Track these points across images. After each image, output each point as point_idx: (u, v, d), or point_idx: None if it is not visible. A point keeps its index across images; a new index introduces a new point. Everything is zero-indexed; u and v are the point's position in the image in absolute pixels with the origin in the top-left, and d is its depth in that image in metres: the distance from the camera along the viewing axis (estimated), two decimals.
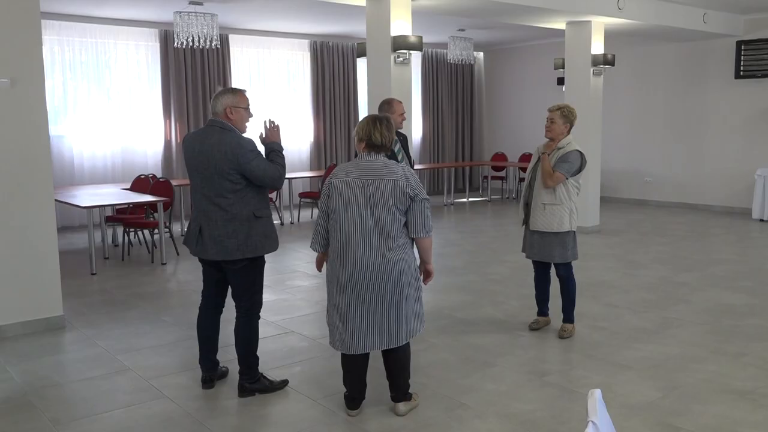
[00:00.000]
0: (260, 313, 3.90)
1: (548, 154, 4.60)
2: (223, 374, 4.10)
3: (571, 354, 4.52)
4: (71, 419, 3.57)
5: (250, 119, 3.79)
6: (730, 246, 8.24)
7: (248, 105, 3.76)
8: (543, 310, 5.03)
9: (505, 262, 7.37)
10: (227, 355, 4.27)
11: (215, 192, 3.61)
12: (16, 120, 4.87)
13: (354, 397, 3.57)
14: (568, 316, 4.84)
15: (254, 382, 3.85)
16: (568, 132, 4.65)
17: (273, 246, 3.78)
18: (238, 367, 3.88)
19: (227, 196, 3.60)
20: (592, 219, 9.34)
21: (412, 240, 3.45)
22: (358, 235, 3.32)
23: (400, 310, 3.38)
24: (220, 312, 4.00)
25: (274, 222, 3.88)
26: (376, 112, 4.44)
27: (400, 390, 3.57)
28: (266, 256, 3.84)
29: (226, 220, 3.62)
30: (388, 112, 4.75)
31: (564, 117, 4.59)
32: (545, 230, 4.62)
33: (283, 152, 3.80)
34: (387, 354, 3.52)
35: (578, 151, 4.58)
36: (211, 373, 3.98)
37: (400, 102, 4.95)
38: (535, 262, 4.91)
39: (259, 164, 3.62)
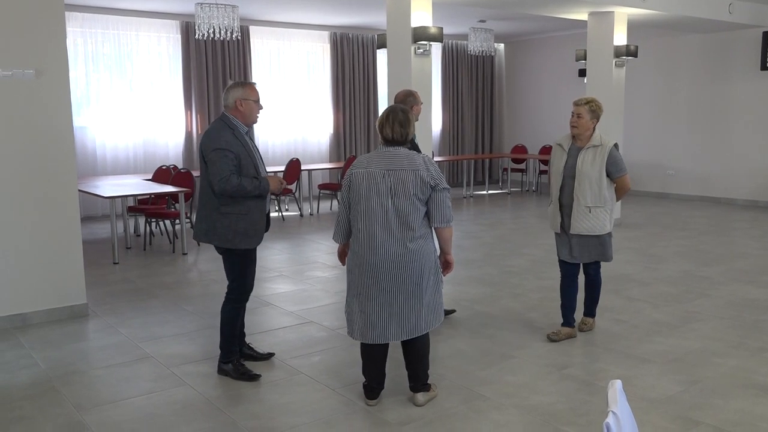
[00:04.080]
0: (245, 302, 4.04)
1: (582, 149, 4.42)
2: (248, 357, 4.20)
3: (591, 347, 4.50)
4: (94, 405, 3.63)
5: (260, 111, 3.89)
6: (754, 240, 8.13)
7: (258, 98, 3.86)
8: (569, 320, 4.66)
9: (524, 254, 7.34)
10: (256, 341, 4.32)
11: (202, 176, 3.83)
12: (40, 111, 4.94)
13: (373, 387, 3.59)
14: (590, 311, 4.79)
15: (225, 363, 4.01)
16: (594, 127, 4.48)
17: (247, 242, 3.81)
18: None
19: (204, 184, 3.81)
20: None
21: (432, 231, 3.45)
22: (379, 226, 3.33)
23: (420, 300, 3.39)
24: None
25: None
26: (395, 103, 4.40)
27: (418, 380, 3.58)
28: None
29: (202, 204, 3.84)
30: (414, 104, 4.69)
31: (592, 112, 4.39)
32: (587, 233, 4.43)
33: (256, 191, 3.74)
34: (406, 344, 3.53)
35: (613, 146, 4.42)
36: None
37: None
38: (565, 267, 4.64)
39: (217, 162, 3.65)
